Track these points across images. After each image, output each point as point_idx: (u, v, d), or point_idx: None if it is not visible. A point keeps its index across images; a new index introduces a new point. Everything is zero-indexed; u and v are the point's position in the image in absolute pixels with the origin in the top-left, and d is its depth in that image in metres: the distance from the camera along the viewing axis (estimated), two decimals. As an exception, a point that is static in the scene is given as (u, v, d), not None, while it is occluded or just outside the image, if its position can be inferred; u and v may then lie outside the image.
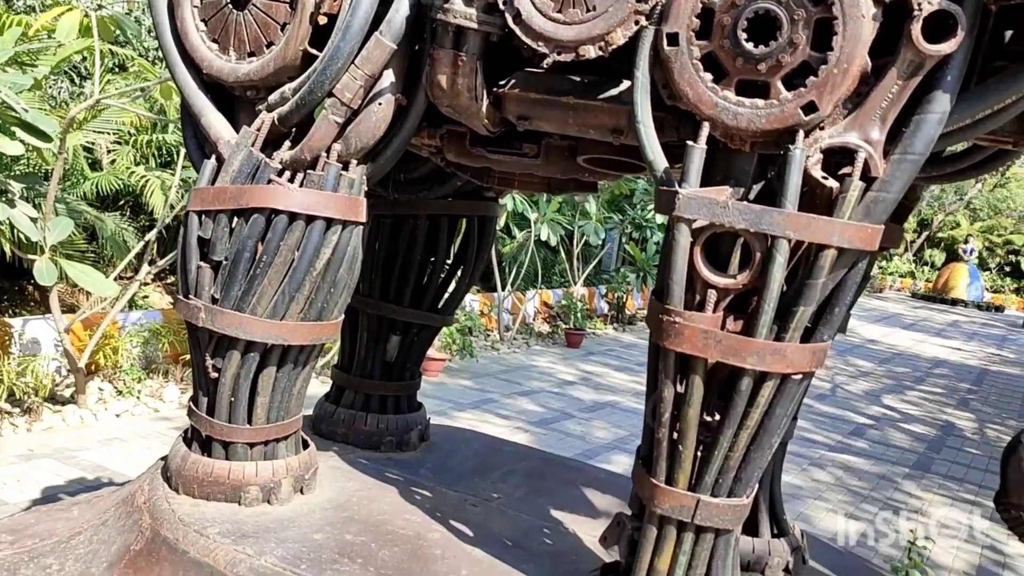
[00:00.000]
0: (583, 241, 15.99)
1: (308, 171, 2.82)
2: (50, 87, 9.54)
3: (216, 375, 2.96)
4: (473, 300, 14.04)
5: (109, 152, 9.75)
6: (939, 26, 2.11)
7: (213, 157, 2.92)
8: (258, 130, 2.85)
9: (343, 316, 3.12)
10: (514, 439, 8.55)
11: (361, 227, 2.98)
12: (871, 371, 16.37)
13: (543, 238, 14.15)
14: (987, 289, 34.54)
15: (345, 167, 2.86)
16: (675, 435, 2.42)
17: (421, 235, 3.78)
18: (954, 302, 31.98)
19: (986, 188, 35.22)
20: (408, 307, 3.82)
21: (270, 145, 2.88)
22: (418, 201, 3.73)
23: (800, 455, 9.30)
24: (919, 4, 2.09)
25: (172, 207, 8.09)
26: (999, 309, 32.69)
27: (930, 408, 13.49)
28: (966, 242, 34.05)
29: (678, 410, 2.39)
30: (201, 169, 2.93)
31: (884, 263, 34.90)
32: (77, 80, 10.11)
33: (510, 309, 14.95)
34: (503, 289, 14.18)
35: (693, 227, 2.28)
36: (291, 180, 2.83)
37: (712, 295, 2.32)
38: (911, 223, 36.67)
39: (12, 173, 6.95)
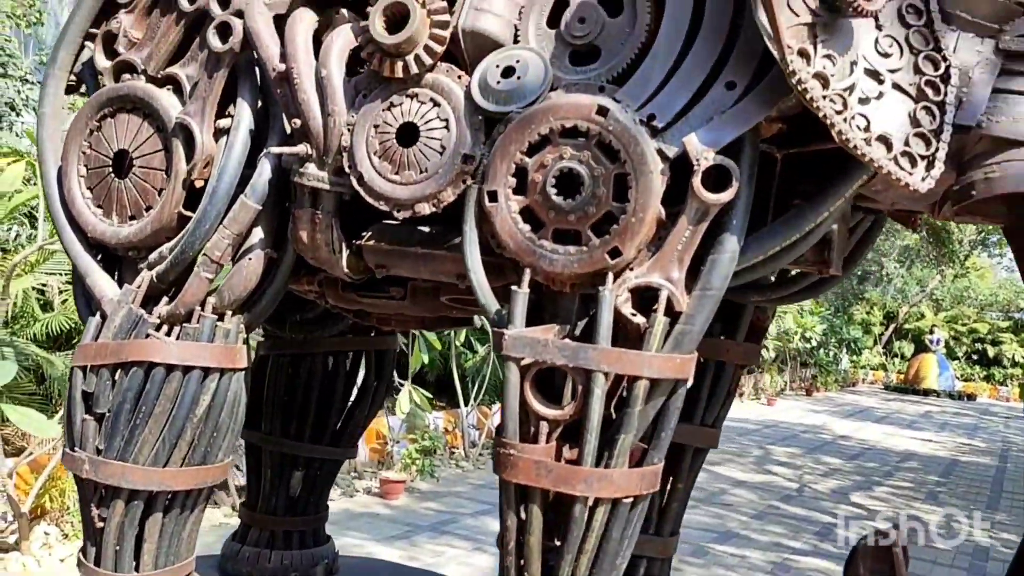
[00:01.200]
0: (545, 352, 16.07)
1: (184, 324, 3.01)
2: (4, 232, 9.79)
3: (102, 524, 3.06)
4: (437, 417, 14.07)
5: (61, 292, 9.91)
6: (720, 176, 2.36)
7: (98, 314, 3.10)
8: (138, 287, 3.04)
9: (230, 457, 3.25)
10: (474, 562, 8.50)
11: (241, 373, 3.15)
12: (840, 468, 16.38)
13: (504, 352, 14.26)
14: (957, 378, 34.84)
15: (221, 318, 3.05)
16: (521, 562, 2.54)
17: (318, 372, 3.95)
18: (926, 392, 32.18)
19: (947, 279, 36.01)
20: (308, 442, 3.95)
21: (151, 301, 3.07)
22: (314, 339, 3.92)
23: (767, 561, 9.28)
24: (698, 160, 2.34)
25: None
26: (971, 397, 32.87)
27: (898, 503, 13.48)
28: (931, 332, 34.54)
29: (522, 538, 2.52)
30: (86, 326, 3.11)
31: (855, 356, 35.26)
32: (28, 223, 10.37)
33: (475, 424, 14.96)
34: (467, 404, 14.24)
35: (521, 365, 2.47)
36: (168, 334, 3.01)
37: (544, 426, 2.49)
38: (877, 315, 37.29)
39: (-45, 322, 7.10)
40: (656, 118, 2.40)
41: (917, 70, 2.32)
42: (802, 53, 2.21)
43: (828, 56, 2.25)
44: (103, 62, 3.19)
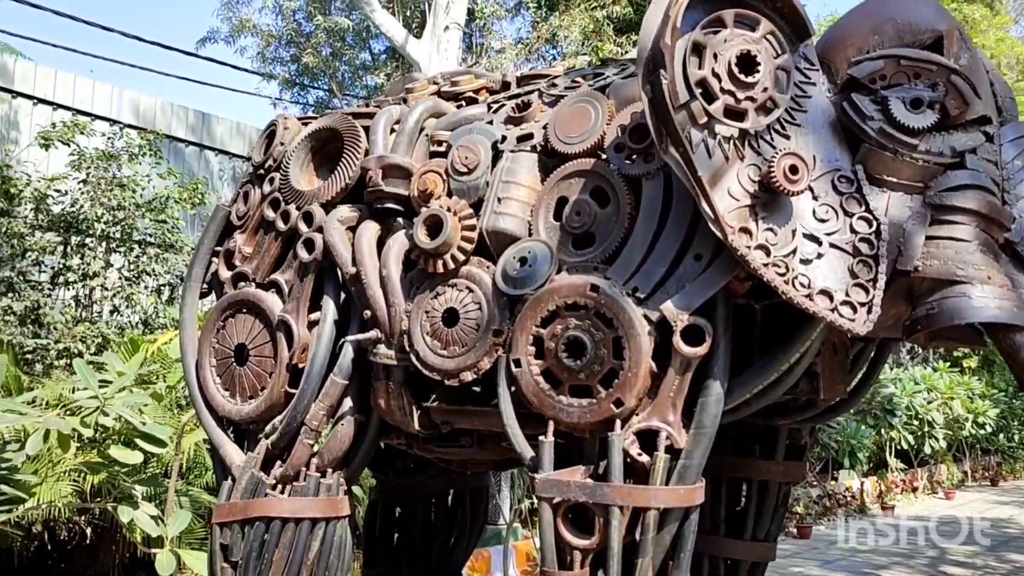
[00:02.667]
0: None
1: (294, 483, 3.65)
2: (177, 394, 11.04)
3: (240, 657, 3.66)
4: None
5: None
6: (697, 333, 2.82)
7: (229, 478, 3.80)
8: (258, 454, 3.73)
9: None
10: None
11: (345, 520, 3.74)
12: (1026, 565, 15.27)
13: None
14: None
15: (324, 475, 3.68)
16: None
17: (419, 511, 4.51)
18: None
19: None
20: (414, 578, 4.48)
21: (269, 464, 3.74)
22: (414, 483, 4.50)
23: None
24: (675, 322, 2.82)
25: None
26: None
27: (1095, 603, 12.47)
28: None
29: (565, 656, 2.94)
30: (221, 488, 3.81)
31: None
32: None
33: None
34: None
35: (552, 503, 2.95)
36: (283, 492, 3.66)
37: (578, 555, 2.93)
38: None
39: (137, 477, 8.10)
40: (639, 290, 2.90)
41: (852, 230, 2.74)
42: (744, 230, 2.68)
43: (770, 228, 2.71)
44: (224, 273, 4.00)
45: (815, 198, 2.78)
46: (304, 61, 17.73)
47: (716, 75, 2.71)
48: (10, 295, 9.94)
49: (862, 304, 2.68)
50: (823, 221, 2.76)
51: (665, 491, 2.83)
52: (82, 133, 10.61)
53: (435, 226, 3.27)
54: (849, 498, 17.46)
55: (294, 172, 3.83)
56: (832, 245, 2.73)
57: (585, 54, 15.28)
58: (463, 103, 3.84)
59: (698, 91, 2.71)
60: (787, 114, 2.81)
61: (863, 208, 2.76)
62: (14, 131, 11.85)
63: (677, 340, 2.82)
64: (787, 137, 2.80)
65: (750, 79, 2.72)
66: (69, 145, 10.32)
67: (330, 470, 3.70)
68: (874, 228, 2.73)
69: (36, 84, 12.07)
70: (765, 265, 2.66)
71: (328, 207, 3.71)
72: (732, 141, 2.74)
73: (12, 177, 10.06)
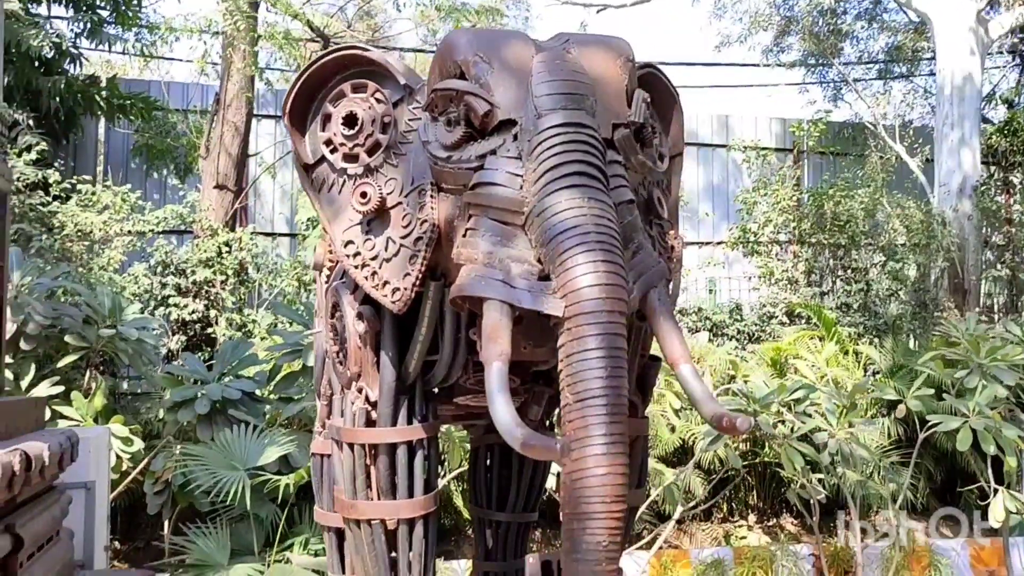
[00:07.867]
0: None
1: (322, 431, 5.36)
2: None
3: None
4: None
5: (677, 413, 11.58)
6: (361, 316, 3.84)
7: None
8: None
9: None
10: None
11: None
12: None
13: None
14: None
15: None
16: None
17: (483, 459, 5.70)
18: None
19: None
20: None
21: (330, 417, 5.51)
22: (478, 437, 5.71)
23: None
24: (352, 307, 3.88)
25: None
26: None
27: None
28: None
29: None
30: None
31: None
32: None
33: None
34: None
35: (329, 439, 4.22)
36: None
37: (353, 478, 4.14)
38: None
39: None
40: (350, 286, 3.98)
41: (419, 231, 3.48)
42: (349, 243, 3.67)
43: (369, 239, 3.62)
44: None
45: (404, 209, 3.58)
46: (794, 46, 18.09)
47: (335, 133, 3.74)
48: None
49: (405, 288, 3.48)
50: (405, 227, 3.53)
51: (364, 431, 3.88)
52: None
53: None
54: None
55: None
56: (402, 245, 3.51)
57: None
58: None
59: (327, 148, 3.77)
60: (397, 147, 3.66)
61: (424, 213, 3.48)
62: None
63: (354, 320, 3.88)
64: (395, 166, 3.62)
65: (354, 131, 3.68)
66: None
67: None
68: (424, 228, 3.46)
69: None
70: (355, 267, 3.63)
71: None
72: (356, 178, 3.72)
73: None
